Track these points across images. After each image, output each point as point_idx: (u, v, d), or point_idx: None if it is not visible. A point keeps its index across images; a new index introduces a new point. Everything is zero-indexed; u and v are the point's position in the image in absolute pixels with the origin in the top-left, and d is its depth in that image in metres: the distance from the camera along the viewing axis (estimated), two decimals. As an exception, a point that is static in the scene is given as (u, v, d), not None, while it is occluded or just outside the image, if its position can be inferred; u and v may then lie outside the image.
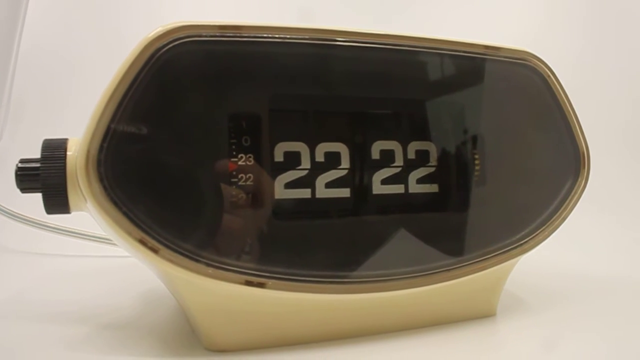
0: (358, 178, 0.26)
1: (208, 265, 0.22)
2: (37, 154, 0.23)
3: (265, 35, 0.23)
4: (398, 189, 0.26)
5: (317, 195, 0.25)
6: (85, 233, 0.44)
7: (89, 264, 0.44)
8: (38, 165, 0.23)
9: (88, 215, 0.23)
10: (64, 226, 0.44)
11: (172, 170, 0.22)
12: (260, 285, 0.23)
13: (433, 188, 0.27)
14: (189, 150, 0.22)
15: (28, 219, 0.44)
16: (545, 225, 0.29)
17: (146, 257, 0.21)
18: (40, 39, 0.66)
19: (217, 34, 0.22)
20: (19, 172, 0.23)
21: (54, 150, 0.23)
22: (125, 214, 0.21)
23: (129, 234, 0.21)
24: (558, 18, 0.68)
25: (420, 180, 0.27)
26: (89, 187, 0.20)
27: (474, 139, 0.28)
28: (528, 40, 0.32)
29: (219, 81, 0.23)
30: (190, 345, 0.25)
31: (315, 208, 0.25)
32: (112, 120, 0.21)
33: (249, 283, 0.22)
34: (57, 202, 0.23)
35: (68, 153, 0.23)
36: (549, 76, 0.29)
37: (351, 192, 0.25)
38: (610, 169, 0.55)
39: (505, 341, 0.28)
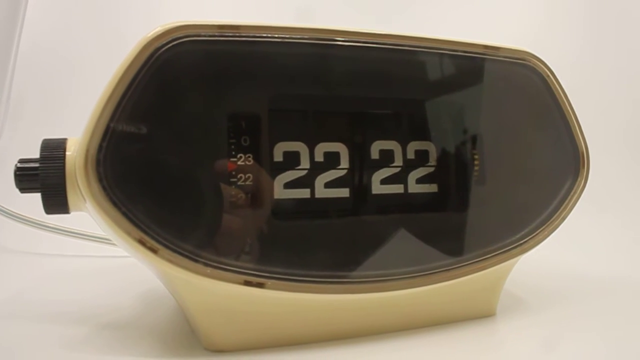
0: (357, 178, 0.26)
1: (207, 265, 0.22)
2: (36, 154, 0.23)
3: (264, 35, 0.23)
4: (397, 188, 0.26)
5: (317, 195, 0.25)
6: (85, 233, 0.44)
7: (88, 264, 0.44)
8: (37, 165, 0.23)
9: (87, 215, 0.23)
10: (63, 226, 0.44)
11: (171, 170, 0.22)
12: (260, 285, 0.22)
13: (432, 188, 0.27)
14: (188, 150, 0.22)
15: (27, 219, 0.44)
16: (545, 225, 0.29)
17: (145, 257, 0.21)
18: (40, 38, 0.66)
19: (216, 34, 0.22)
20: (18, 172, 0.23)
21: (53, 150, 0.23)
22: (124, 214, 0.21)
23: (128, 234, 0.21)
24: (557, 18, 0.68)
25: (419, 180, 0.27)
26: (88, 187, 0.20)
27: (474, 139, 0.28)
28: (527, 40, 0.32)
29: (218, 81, 0.23)
30: (190, 345, 0.25)
31: (314, 208, 0.25)
32: (111, 119, 0.21)
33: (248, 283, 0.22)
34: (56, 202, 0.23)
35: (67, 153, 0.23)
36: (548, 76, 0.29)
37: (350, 192, 0.25)
38: (610, 169, 0.55)
39: (505, 341, 0.28)
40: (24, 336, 0.27)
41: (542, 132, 0.29)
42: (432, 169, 0.27)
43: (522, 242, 0.28)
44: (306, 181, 0.25)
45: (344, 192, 0.25)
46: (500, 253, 0.27)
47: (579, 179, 0.29)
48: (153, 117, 0.22)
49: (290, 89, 0.25)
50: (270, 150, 0.24)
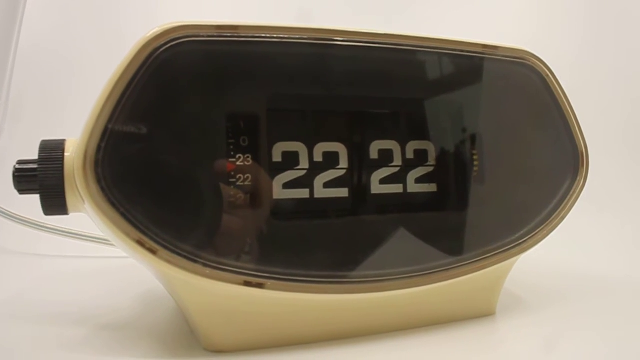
0: (356, 178, 0.26)
1: (206, 265, 0.22)
2: (36, 154, 0.23)
3: (263, 35, 0.23)
4: (397, 188, 0.26)
5: (316, 195, 0.25)
6: (84, 234, 0.44)
7: (88, 264, 0.44)
8: (36, 166, 0.23)
9: (86, 216, 0.23)
10: (62, 227, 0.44)
11: (170, 171, 0.22)
12: (259, 285, 0.22)
13: (432, 187, 0.27)
14: (187, 151, 0.22)
15: (26, 220, 0.44)
16: (544, 225, 0.29)
17: (144, 258, 0.21)
18: (39, 38, 0.65)
19: (215, 34, 0.22)
20: (16, 174, 0.23)
21: (52, 151, 0.23)
22: (123, 215, 0.21)
23: (127, 234, 0.21)
24: (557, 17, 0.68)
25: (418, 180, 0.27)
26: (87, 188, 0.20)
27: (473, 139, 0.28)
28: (526, 40, 0.32)
29: (217, 81, 0.23)
30: (189, 346, 0.25)
31: (313, 208, 0.25)
32: (110, 120, 0.21)
33: (247, 284, 0.22)
34: (55, 203, 0.23)
35: (66, 154, 0.23)
36: (547, 75, 0.29)
37: (350, 192, 0.25)
38: (609, 168, 0.55)
39: (504, 340, 0.28)
40: (24, 337, 0.27)
41: (541, 131, 0.29)
42: (431, 169, 0.27)
43: (521, 241, 0.28)
44: (305, 181, 0.24)
45: (343, 192, 0.25)
46: (500, 252, 0.27)
47: (578, 178, 0.29)
48: (152, 118, 0.22)
49: (289, 89, 0.25)
50: (269, 150, 0.24)
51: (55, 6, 0.67)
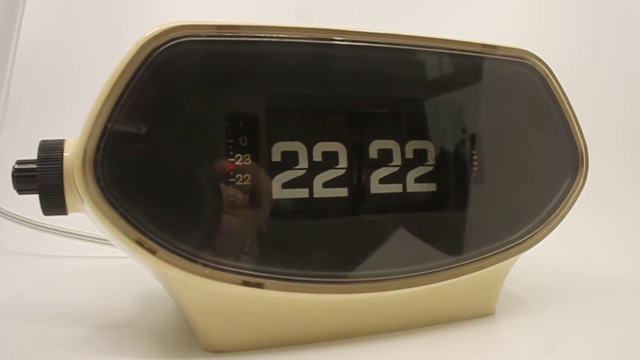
0: (356, 177, 0.25)
1: (205, 265, 0.22)
2: (35, 154, 0.23)
3: (262, 34, 0.23)
4: (396, 188, 0.26)
5: (315, 195, 0.25)
6: (83, 234, 0.44)
7: (87, 264, 0.44)
8: (35, 166, 0.23)
9: (85, 216, 0.23)
10: (61, 227, 0.44)
11: (169, 171, 0.22)
12: (258, 285, 0.22)
13: (431, 187, 0.27)
14: (186, 151, 0.22)
15: (26, 220, 0.44)
16: (544, 224, 0.29)
17: (143, 258, 0.21)
18: (39, 38, 0.65)
19: (215, 34, 0.22)
20: (15, 174, 0.23)
21: (51, 151, 0.23)
22: (122, 215, 0.21)
23: (126, 234, 0.21)
24: (556, 16, 0.68)
25: (418, 180, 0.27)
26: (86, 188, 0.20)
27: (472, 138, 0.28)
28: (526, 39, 0.32)
29: (216, 81, 0.23)
30: (189, 345, 0.25)
31: (313, 208, 0.25)
32: (109, 120, 0.21)
33: (246, 283, 0.22)
34: (54, 203, 0.23)
35: (65, 154, 0.23)
36: (547, 75, 0.29)
37: (349, 191, 0.25)
38: (609, 168, 0.55)
39: (504, 340, 0.28)
40: (23, 337, 0.27)
41: (541, 131, 0.29)
42: (430, 168, 0.27)
43: (521, 241, 0.28)
44: (304, 181, 0.24)
45: (343, 192, 0.25)
46: (499, 252, 0.27)
47: (577, 178, 0.29)
48: (151, 118, 0.22)
49: (288, 89, 0.25)
50: (269, 150, 0.24)
51: (55, 6, 0.67)
